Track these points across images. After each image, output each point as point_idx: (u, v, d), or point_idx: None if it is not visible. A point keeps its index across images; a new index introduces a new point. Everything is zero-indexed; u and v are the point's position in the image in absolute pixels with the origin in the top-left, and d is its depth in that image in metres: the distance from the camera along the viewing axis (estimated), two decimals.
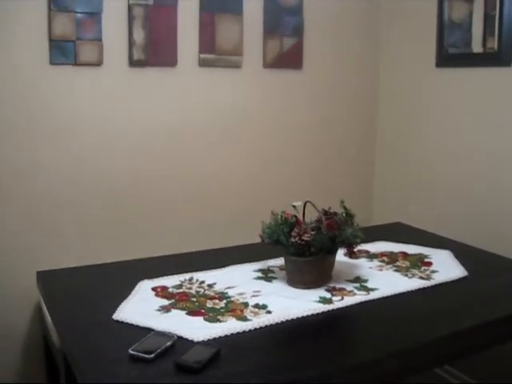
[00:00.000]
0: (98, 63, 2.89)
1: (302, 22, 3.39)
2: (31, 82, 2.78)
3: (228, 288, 2.32)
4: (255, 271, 2.52)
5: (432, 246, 2.87)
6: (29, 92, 2.78)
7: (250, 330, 1.97)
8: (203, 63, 3.14)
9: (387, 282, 2.39)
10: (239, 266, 2.59)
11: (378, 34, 3.71)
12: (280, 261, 2.51)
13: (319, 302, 2.18)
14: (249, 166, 3.37)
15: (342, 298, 2.22)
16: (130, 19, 2.93)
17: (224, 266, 2.57)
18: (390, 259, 2.70)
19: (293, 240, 2.23)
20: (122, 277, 2.48)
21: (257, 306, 2.15)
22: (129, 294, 2.26)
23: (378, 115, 3.78)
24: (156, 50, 3.00)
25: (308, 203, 2.32)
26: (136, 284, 2.36)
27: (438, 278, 2.45)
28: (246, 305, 2.15)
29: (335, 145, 3.64)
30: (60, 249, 2.89)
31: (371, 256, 2.74)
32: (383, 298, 2.25)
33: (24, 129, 2.78)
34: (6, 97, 2.73)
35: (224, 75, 3.22)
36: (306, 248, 2.23)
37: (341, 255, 2.43)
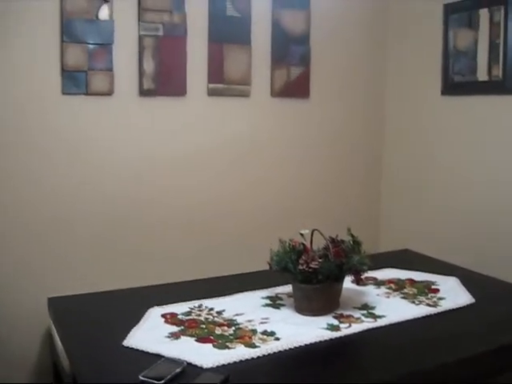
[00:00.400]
0: (109, 93, 2.95)
1: (309, 51, 3.45)
2: (44, 112, 2.84)
3: (237, 315, 2.34)
4: (263, 298, 2.54)
5: (439, 273, 2.88)
6: (41, 121, 2.84)
7: (258, 357, 1.99)
8: (212, 92, 3.20)
9: (394, 309, 2.40)
10: (247, 293, 2.62)
11: (385, 63, 3.76)
12: (288, 288, 2.52)
13: (327, 329, 2.20)
14: (257, 193, 3.40)
15: (350, 325, 2.23)
16: (141, 50, 3.00)
17: (232, 293, 2.59)
18: (398, 286, 2.71)
19: (300, 267, 2.25)
20: (132, 303, 2.50)
21: (265, 332, 2.17)
22: (139, 320, 2.29)
23: (384, 142, 3.82)
24: (166, 79, 3.06)
25: (316, 231, 2.35)
26: (146, 311, 2.38)
27: (445, 304, 2.47)
28: (254, 332, 2.17)
29: (342, 173, 3.68)
30: (70, 275, 2.92)
31: (379, 283, 2.76)
32: (390, 324, 2.26)
33: (37, 157, 2.84)
34: (20, 125, 2.79)
35: (232, 104, 3.27)
36: (314, 275, 2.25)
37: (348, 282, 2.45)
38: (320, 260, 2.26)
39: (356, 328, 2.22)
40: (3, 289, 2.80)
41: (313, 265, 2.23)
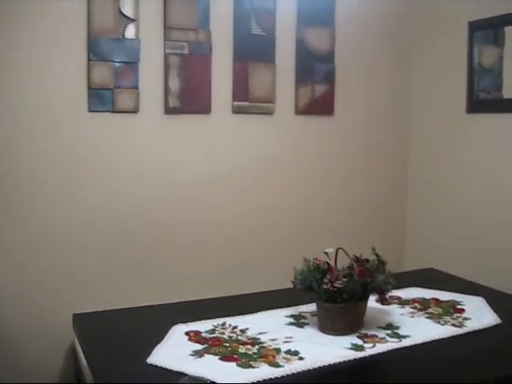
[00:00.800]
0: (135, 110, 2.98)
1: (334, 69, 3.45)
2: (70, 129, 2.88)
3: (260, 333, 2.34)
4: (287, 317, 2.54)
5: (464, 293, 2.85)
6: (68, 138, 2.88)
7: (282, 376, 1.98)
8: (237, 110, 3.22)
9: (419, 329, 2.38)
10: (271, 311, 2.61)
11: (409, 80, 3.75)
12: (311, 306, 2.51)
13: (351, 348, 2.19)
14: (280, 211, 3.40)
15: (374, 345, 2.22)
16: (166, 68, 3.03)
17: (256, 312, 2.59)
18: (422, 306, 2.69)
19: (325, 287, 2.25)
20: (156, 320, 2.51)
21: (289, 352, 2.16)
22: (162, 337, 2.30)
23: (409, 161, 3.80)
24: (191, 97, 3.08)
25: (340, 250, 2.34)
26: (169, 328, 2.39)
27: (471, 325, 2.44)
28: (278, 351, 2.17)
29: (367, 191, 3.66)
30: (95, 292, 2.94)
31: (403, 302, 2.73)
32: (415, 345, 2.24)
33: (63, 174, 2.87)
34: (47, 143, 2.83)
35: (257, 122, 3.29)
36: (338, 295, 2.24)
37: (372, 301, 2.44)
38: (344, 279, 2.25)
39: (380, 348, 2.20)
40: (28, 305, 2.83)
41: (337, 284, 2.23)
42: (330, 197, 3.54)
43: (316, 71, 3.40)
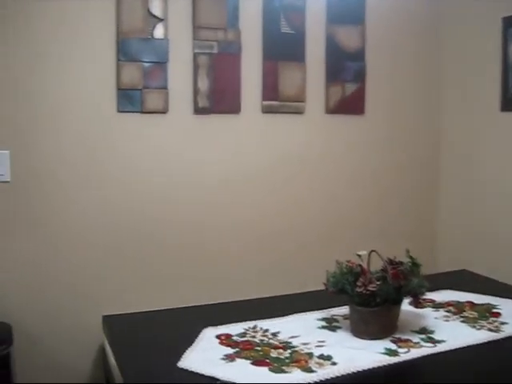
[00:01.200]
0: (164, 111, 2.96)
1: (364, 67, 3.41)
2: (99, 129, 2.87)
3: (292, 337, 2.30)
4: (319, 320, 2.50)
5: (500, 296, 2.78)
6: (97, 139, 2.87)
7: (315, 382, 1.95)
8: (266, 110, 3.19)
9: (454, 334, 2.33)
10: (302, 314, 2.58)
11: (441, 78, 3.68)
12: (343, 309, 2.48)
13: (385, 353, 2.14)
14: (310, 211, 3.36)
15: (409, 350, 2.17)
16: (195, 68, 3.01)
17: (287, 314, 2.56)
18: (457, 309, 2.63)
19: (358, 290, 2.20)
20: (186, 322, 2.50)
21: (321, 356, 2.12)
22: (193, 340, 2.28)
23: (441, 161, 3.73)
24: (220, 97, 3.06)
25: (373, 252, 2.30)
26: (200, 330, 2.37)
27: (508, 330, 2.37)
28: (310, 355, 2.13)
29: (398, 190, 3.60)
30: (125, 293, 2.93)
31: (437, 305, 2.68)
32: (451, 350, 2.19)
33: (93, 174, 2.87)
34: (76, 143, 2.83)
35: (287, 121, 3.25)
36: (372, 298, 2.20)
37: (405, 304, 2.38)
38: (378, 282, 2.21)
39: (415, 353, 2.16)
40: (59, 306, 2.83)
41: (371, 287, 2.19)
42: (358, 196, 3.49)
43: (346, 70, 3.36)
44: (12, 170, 2.72)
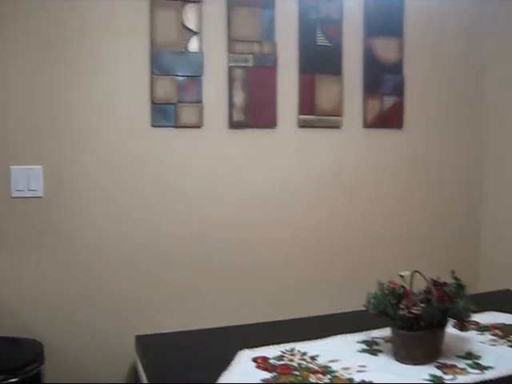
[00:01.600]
0: (199, 125, 2.91)
1: (403, 80, 3.32)
2: (133, 144, 2.82)
3: (331, 361, 2.22)
4: (359, 343, 2.41)
5: None
6: (131, 153, 2.82)
7: None
8: (303, 124, 3.11)
9: (503, 360, 2.22)
10: (341, 336, 2.49)
11: (482, 91, 3.56)
12: (384, 331, 2.39)
13: (430, 380, 2.04)
14: (348, 229, 3.26)
15: (455, 377, 2.07)
16: (230, 81, 2.95)
17: (325, 336, 2.47)
18: (503, 333, 2.52)
19: (401, 312, 2.11)
20: (221, 343, 2.44)
21: (363, 382, 2.03)
22: (227, 362, 2.21)
23: (484, 175, 3.60)
24: (256, 111, 3.00)
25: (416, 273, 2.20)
26: (235, 351, 2.30)
27: None
28: (351, 381, 2.05)
29: (439, 208, 3.49)
30: (158, 313, 2.87)
31: (482, 328, 2.57)
32: (501, 378, 2.08)
33: (126, 189, 2.82)
34: (109, 158, 2.79)
35: (324, 136, 3.17)
36: (415, 321, 2.11)
37: (448, 326, 2.28)
38: (422, 305, 2.11)
39: (462, 380, 2.06)
40: (91, 324, 2.78)
41: (414, 310, 2.09)
42: (399, 214, 3.38)
43: (384, 83, 3.27)
44: (45, 186, 2.69)
